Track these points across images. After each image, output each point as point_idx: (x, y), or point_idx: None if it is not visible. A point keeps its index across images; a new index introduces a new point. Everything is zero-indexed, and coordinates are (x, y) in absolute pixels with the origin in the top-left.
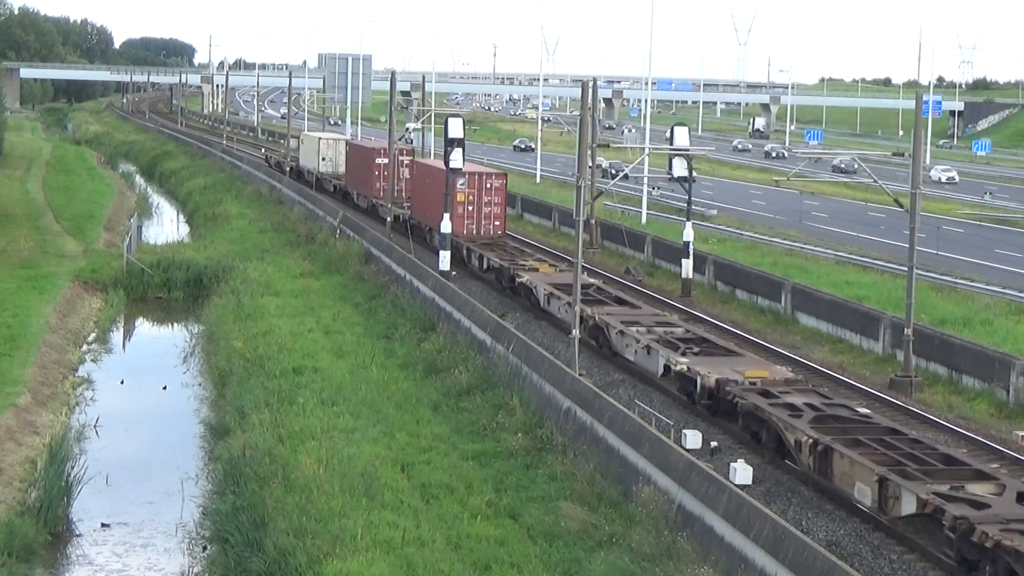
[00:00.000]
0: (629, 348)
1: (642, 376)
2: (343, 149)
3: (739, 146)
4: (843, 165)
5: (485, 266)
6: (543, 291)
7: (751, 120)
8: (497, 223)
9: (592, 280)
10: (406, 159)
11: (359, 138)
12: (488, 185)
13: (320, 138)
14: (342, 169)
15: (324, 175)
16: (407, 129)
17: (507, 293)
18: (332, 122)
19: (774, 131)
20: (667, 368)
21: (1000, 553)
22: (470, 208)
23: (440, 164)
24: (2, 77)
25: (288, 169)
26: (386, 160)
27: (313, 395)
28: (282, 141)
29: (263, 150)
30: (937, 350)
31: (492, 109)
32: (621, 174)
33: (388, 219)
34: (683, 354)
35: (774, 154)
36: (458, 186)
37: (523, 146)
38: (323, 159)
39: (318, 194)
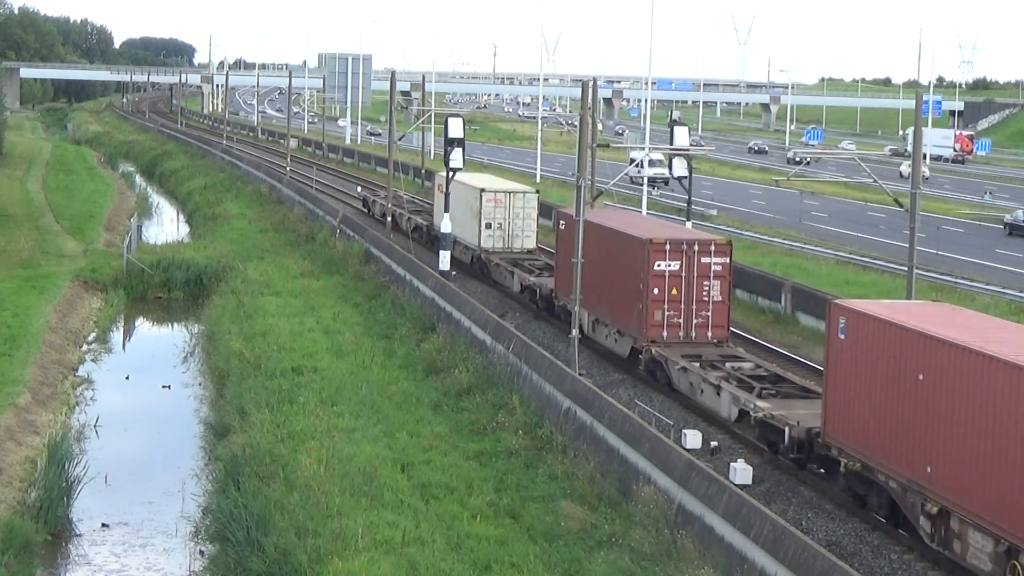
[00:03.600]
0: None
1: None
2: (534, 211)
3: (755, 147)
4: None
5: None
6: None
7: (670, 112)
8: None
9: None
10: (718, 263)
11: (610, 209)
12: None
13: (483, 190)
14: (525, 243)
15: (493, 255)
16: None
17: None
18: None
19: (774, 131)
20: None
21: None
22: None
23: (892, 313)
24: (2, 77)
25: (412, 228)
26: (676, 265)
27: (313, 395)
28: (282, 141)
29: (360, 189)
30: None
31: (521, 114)
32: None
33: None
34: None
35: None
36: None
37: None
38: (487, 225)
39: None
